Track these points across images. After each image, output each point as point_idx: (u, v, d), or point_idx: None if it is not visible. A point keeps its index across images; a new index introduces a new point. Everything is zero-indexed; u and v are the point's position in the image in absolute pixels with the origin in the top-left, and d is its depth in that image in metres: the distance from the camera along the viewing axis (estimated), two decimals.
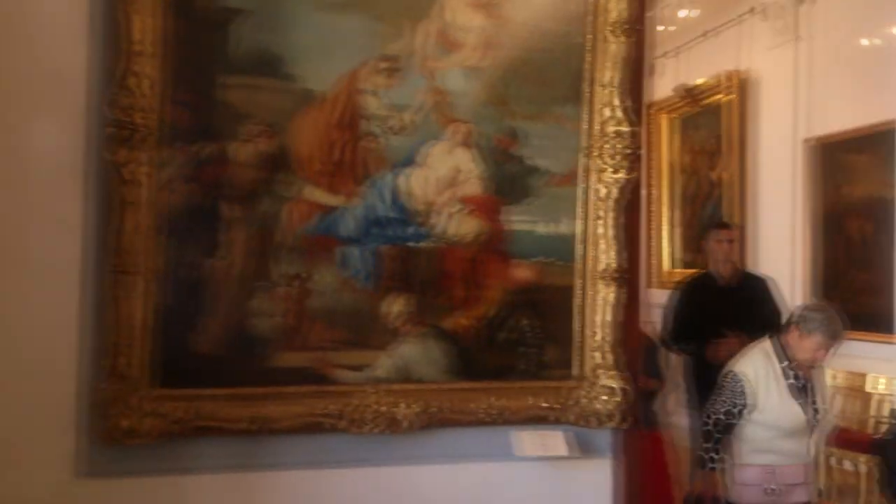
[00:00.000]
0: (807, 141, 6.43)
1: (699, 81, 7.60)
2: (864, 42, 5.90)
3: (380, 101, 2.70)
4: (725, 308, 4.46)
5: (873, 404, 5.65)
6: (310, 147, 2.65)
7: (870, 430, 5.43)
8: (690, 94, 7.74)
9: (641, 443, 3.68)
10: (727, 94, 7.30)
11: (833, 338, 3.29)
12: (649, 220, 8.25)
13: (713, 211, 7.65)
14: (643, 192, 3.11)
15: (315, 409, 2.62)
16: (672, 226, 8.31)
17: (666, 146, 8.33)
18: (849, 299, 6.08)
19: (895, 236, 3.60)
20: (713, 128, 7.56)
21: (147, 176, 2.44)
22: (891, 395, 5.29)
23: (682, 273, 7.85)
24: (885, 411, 5.41)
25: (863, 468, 5.26)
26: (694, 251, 7.99)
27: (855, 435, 5.40)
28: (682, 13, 7.50)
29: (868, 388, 5.71)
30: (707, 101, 7.61)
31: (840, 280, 6.09)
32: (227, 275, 2.57)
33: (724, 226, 5.02)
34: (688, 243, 8.06)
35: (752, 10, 7.03)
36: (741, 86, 7.19)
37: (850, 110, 5.92)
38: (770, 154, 6.93)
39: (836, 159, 6.18)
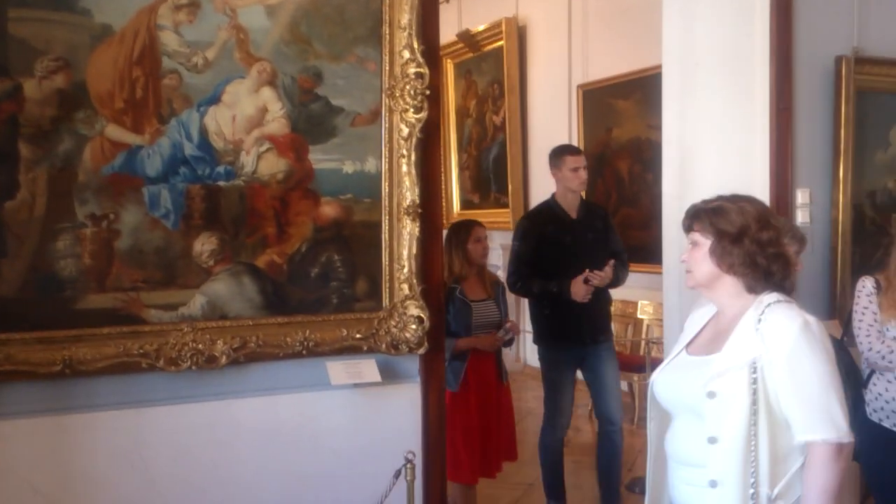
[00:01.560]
0: (580, 86, 6.95)
1: (480, 28, 7.94)
2: None
3: (180, 38, 2.68)
4: (576, 242, 4.13)
5: (643, 328, 6.35)
6: (110, 84, 2.60)
7: (641, 353, 6.09)
8: (472, 40, 8.07)
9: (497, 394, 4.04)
10: (499, 41, 7.68)
11: None
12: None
13: (488, 153, 8.11)
14: None
15: (130, 349, 2.62)
16: (460, 168, 8.70)
17: (452, 91, 8.65)
18: (620, 233, 6.75)
19: (659, 175, 4.04)
20: (494, 73, 7.96)
21: None
22: (658, 319, 5.93)
23: (470, 214, 8.33)
24: (654, 334, 6.07)
25: (636, 388, 5.91)
26: (472, 192, 8.46)
27: (628, 358, 6.05)
28: None
29: (639, 315, 6.40)
30: (487, 48, 7.98)
31: (613, 215, 6.71)
32: (28, 216, 2.48)
33: (576, 151, 4.38)
34: (475, 185, 8.49)
35: None
36: (519, 32, 7.60)
37: (618, 57, 6.47)
38: (546, 98, 7.42)
39: (606, 103, 6.75)
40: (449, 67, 8.56)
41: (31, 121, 2.48)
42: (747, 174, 3.55)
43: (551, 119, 7.33)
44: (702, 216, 2.05)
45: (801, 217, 3.58)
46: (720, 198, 2.09)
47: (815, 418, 1.89)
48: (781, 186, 3.50)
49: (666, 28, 3.94)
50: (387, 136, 2.96)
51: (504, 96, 7.81)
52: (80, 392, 2.56)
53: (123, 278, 2.62)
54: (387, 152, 2.96)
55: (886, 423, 2.92)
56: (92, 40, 2.55)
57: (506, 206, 7.84)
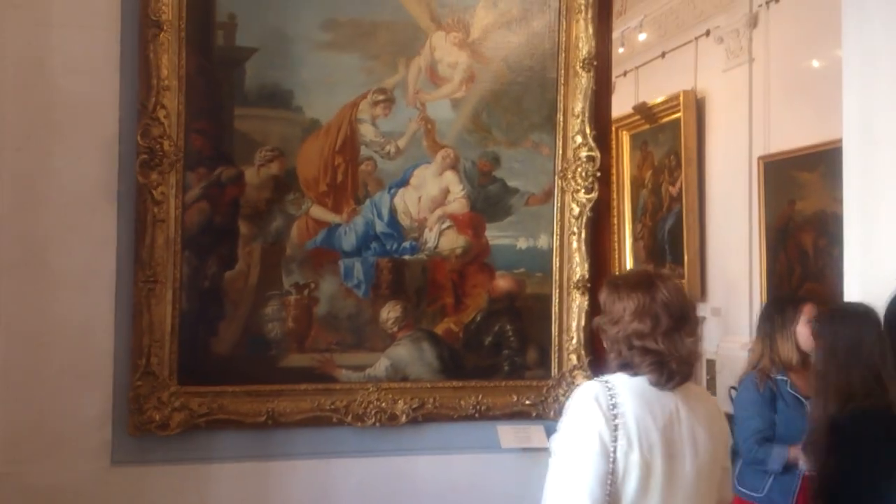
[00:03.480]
0: (761, 157, 6.87)
1: (657, 100, 8.04)
2: (813, 64, 6.34)
3: (376, 130, 3.03)
4: None
5: None
6: (315, 170, 2.97)
7: None
8: (648, 112, 8.17)
9: None
10: (676, 112, 7.73)
11: None
12: (613, 233, 8.66)
13: (663, 224, 8.09)
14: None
15: (322, 404, 2.93)
16: (634, 238, 8.73)
17: (627, 161, 8.75)
18: None
19: (843, 249, 3.98)
20: (671, 144, 8.00)
21: (174, 197, 2.75)
22: None
23: None
24: None
25: None
26: (646, 262, 8.44)
27: None
28: (642, 37, 7.95)
29: None
30: (664, 119, 8.05)
31: (796, 290, 6.52)
32: (244, 284, 2.87)
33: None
34: (649, 254, 8.48)
35: (707, 34, 7.49)
36: (697, 104, 7.63)
37: (799, 129, 6.36)
38: (725, 170, 7.36)
39: (789, 175, 6.62)
40: (624, 139, 8.68)
41: (250, 202, 2.88)
42: None
43: (730, 190, 7.25)
44: None
45: None
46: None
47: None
48: None
49: (846, 102, 3.92)
50: (558, 214, 3.16)
51: (681, 167, 7.81)
52: (279, 441, 2.90)
53: (320, 340, 2.96)
54: (558, 230, 3.16)
55: None
56: (302, 133, 2.95)
57: (681, 276, 7.77)
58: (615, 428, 1.86)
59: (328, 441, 2.94)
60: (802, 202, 6.49)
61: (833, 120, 4.09)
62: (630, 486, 1.85)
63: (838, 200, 4.64)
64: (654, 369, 1.89)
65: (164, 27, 2.74)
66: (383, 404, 2.98)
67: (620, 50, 8.09)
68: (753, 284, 6.91)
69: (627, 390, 1.92)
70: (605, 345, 2.08)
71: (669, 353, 1.87)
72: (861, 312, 2.91)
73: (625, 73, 8.61)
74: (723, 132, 7.43)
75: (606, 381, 1.95)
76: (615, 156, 8.63)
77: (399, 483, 2.98)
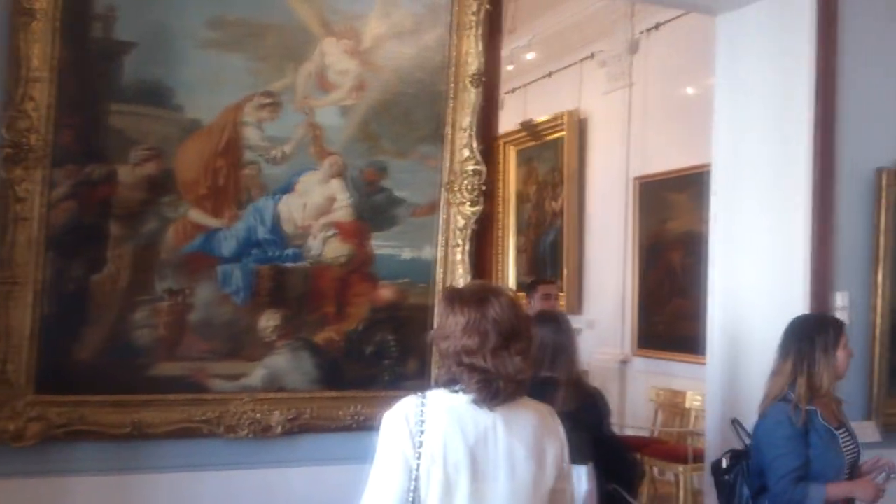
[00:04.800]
0: (636, 178, 7.14)
1: (543, 118, 8.24)
2: (687, 91, 6.66)
3: (261, 133, 2.95)
4: None
5: (692, 419, 6.33)
6: (195, 172, 2.87)
7: (687, 443, 6.06)
8: (534, 130, 8.37)
9: None
10: (565, 132, 7.97)
11: None
12: (497, 246, 8.82)
13: (545, 238, 8.30)
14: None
15: (192, 415, 2.83)
16: (518, 251, 8.90)
17: (513, 176, 8.93)
18: (671, 323, 6.85)
19: (706, 267, 4.19)
20: (555, 161, 8.22)
21: (40, 194, 2.59)
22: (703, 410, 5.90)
23: (520, 297, 8.47)
24: (701, 426, 6.03)
25: (681, 478, 5.87)
26: (528, 275, 8.63)
27: (674, 448, 6.04)
28: (530, 56, 8.13)
29: (687, 405, 6.39)
30: (549, 137, 8.26)
31: (665, 305, 6.81)
32: (112, 288, 2.73)
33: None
34: (531, 268, 8.67)
35: (591, 56, 7.75)
36: (579, 125, 7.87)
37: (673, 152, 6.66)
38: (603, 188, 7.62)
39: (662, 196, 6.91)
40: (511, 154, 8.85)
41: (123, 203, 2.74)
42: (788, 276, 3.66)
43: (608, 208, 7.50)
44: None
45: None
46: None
47: None
48: (821, 289, 3.59)
49: (716, 128, 4.14)
50: (444, 226, 3.18)
51: (563, 184, 8.03)
52: (145, 453, 2.77)
53: (193, 349, 2.85)
54: (443, 241, 3.18)
55: None
56: (182, 133, 2.84)
57: (560, 290, 7.97)
58: (420, 444, 1.85)
59: (198, 453, 2.84)
60: (673, 222, 6.79)
61: (704, 144, 4.31)
62: (429, 490, 1.85)
63: (705, 221, 4.90)
64: (480, 387, 1.85)
65: (37, 16, 2.58)
66: (258, 415, 2.90)
67: (510, 68, 8.22)
68: (626, 299, 7.18)
69: (441, 407, 1.89)
70: (437, 358, 2.08)
71: (497, 372, 1.84)
72: None
73: (513, 91, 8.79)
74: (603, 152, 7.69)
75: (423, 397, 1.93)
76: (502, 170, 8.79)
77: (272, 496, 2.91)
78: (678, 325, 6.59)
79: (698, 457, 5.15)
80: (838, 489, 2.90)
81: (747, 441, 3.17)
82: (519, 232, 8.89)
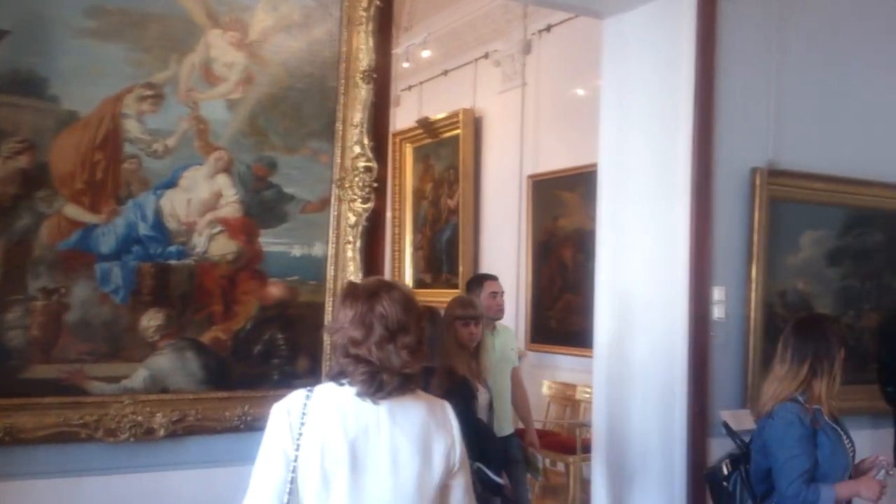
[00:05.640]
0: (530, 176, 7.28)
1: (439, 116, 8.29)
2: (578, 92, 6.82)
3: (142, 126, 2.85)
4: None
5: (581, 411, 6.50)
6: (71, 166, 2.74)
7: (575, 435, 6.21)
8: (431, 127, 8.41)
9: None
10: (456, 129, 8.04)
11: None
12: (393, 243, 8.82)
13: (442, 234, 8.36)
14: (388, 215, 3.49)
15: (70, 419, 2.71)
16: (415, 248, 8.92)
17: (410, 173, 8.94)
18: (562, 318, 7.02)
19: (594, 264, 4.31)
20: (451, 159, 8.28)
21: None
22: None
23: (423, 294, 8.52)
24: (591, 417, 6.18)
25: (571, 469, 6.02)
26: (425, 271, 8.67)
27: (565, 439, 6.18)
28: (426, 53, 8.16)
29: (577, 397, 6.56)
30: (446, 135, 8.32)
31: (557, 301, 6.96)
32: None
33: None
34: (428, 265, 8.71)
35: (486, 56, 7.84)
36: (475, 123, 7.96)
37: (564, 152, 6.81)
38: (498, 186, 7.73)
39: (554, 194, 7.07)
40: (408, 151, 8.86)
41: None
42: (669, 272, 3.81)
43: (503, 205, 7.62)
44: None
45: (717, 313, 3.82)
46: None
47: None
48: (700, 283, 3.75)
49: (602, 129, 4.27)
50: (334, 223, 3.15)
51: (459, 182, 8.10)
52: (19, 460, 2.64)
53: (70, 350, 2.73)
54: (334, 238, 3.15)
55: None
56: (58, 125, 2.72)
57: (456, 286, 8.04)
58: (299, 437, 1.85)
59: (75, 458, 2.72)
60: (564, 219, 6.96)
61: (594, 144, 4.43)
62: (309, 497, 1.85)
63: (594, 219, 5.05)
64: (364, 379, 1.86)
65: None
66: (139, 418, 2.81)
67: (406, 65, 8.26)
68: (520, 294, 7.30)
69: (325, 399, 1.90)
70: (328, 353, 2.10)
71: (381, 364, 1.85)
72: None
73: (410, 88, 8.81)
74: (498, 150, 7.80)
75: (310, 391, 1.94)
76: (399, 167, 8.80)
77: (156, 500, 2.82)
78: (569, 319, 6.77)
79: (587, 447, 5.29)
80: (846, 489, 2.89)
81: (738, 443, 3.17)
82: (416, 229, 8.91)
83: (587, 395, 6.42)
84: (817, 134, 4.15)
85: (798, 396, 2.92)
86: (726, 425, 3.32)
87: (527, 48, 7.40)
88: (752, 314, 3.89)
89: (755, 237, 3.88)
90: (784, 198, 3.96)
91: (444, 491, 1.96)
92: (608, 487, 4.13)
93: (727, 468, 3.12)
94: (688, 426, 3.76)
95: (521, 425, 4.52)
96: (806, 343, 2.97)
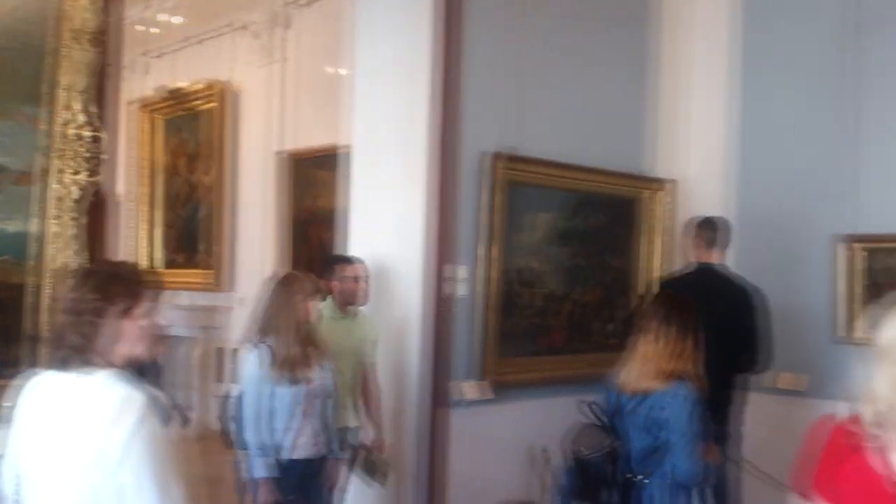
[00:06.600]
0: (284, 154, 7.16)
1: (184, 85, 7.89)
2: (336, 70, 6.76)
3: None
4: None
5: None
6: None
7: None
8: (184, 98, 7.99)
9: None
10: (211, 102, 7.73)
11: None
12: (142, 221, 8.33)
13: (195, 212, 8.02)
14: (122, 190, 3.24)
15: None
16: (166, 226, 8.45)
17: (149, 145, 8.41)
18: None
19: (347, 244, 4.33)
20: (206, 133, 7.92)
21: None
22: None
23: (175, 274, 8.10)
24: None
25: None
26: (177, 251, 8.28)
27: None
28: (177, 19, 7.74)
29: None
30: (201, 107, 7.94)
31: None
32: None
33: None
34: (180, 244, 8.30)
35: (244, 27, 7.56)
36: (224, 95, 7.67)
37: (321, 130, 6.73)
38: (255, 163, 7.52)
39: (311, 173, 6.99)
40: (158, 123, 8.38)
41: None
42: (413, 251, 3.91)
43: (260, 183, 7.42)
44: None
45: (458, 290, 3.97)
46: None
47: None
48: (441, 262, 3.89)
49: (356, 109, 4.30)
50: (40, 195, 2.87)
51: (213, 157, 7.79)
52: None
53: None
54: (39, 212, 2.87)
55: None
56: None
57: (210, 267, 7.77)
58: (10, 422, 1.86)
59: None
60: (323, 199, 6.91)
61: (343, 125, 4.42)
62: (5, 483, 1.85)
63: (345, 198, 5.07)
64: (48, 362, 1.89)
65: None
66: None
67: (154, 30, 7.76)
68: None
69: (30, 384, 1.87)
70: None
71: (58, 347, 1.81)
72: None
73: (161, 55, 8.30)
74: (255, 126, 7.57)
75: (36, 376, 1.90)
76: (146, 140, 8.29)
77: None
78: None
79: None
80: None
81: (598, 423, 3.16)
82: (167, 206, 8.46)
83: None
84: (551, 123, 4.42)
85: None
86: (588, 402, 3.24)
87: (286, 22, 7.24)
88: (492, 291, 4.07)
89: (494, 218, 4.05)
90: (520, 182, 4.18)
91: (113, 484, 1.71)
92: None
93: (594, 453, 3.12)
94: (429, 398, 3.90)
95: None
96: (689, 319, 3.05)
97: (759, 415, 4.14)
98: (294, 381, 3.39)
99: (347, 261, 3.96)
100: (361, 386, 3.95)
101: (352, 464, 3.87)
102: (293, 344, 3.40)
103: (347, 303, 3.89)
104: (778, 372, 4.14)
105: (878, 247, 4.26)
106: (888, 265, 4.20)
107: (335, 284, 3.88)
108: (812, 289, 4.40)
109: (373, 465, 3.87)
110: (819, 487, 1.69)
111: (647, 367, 3.03)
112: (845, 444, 1.62)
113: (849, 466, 1.62)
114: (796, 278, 4.47)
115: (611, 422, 3.15)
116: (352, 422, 3.89)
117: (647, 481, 3.03)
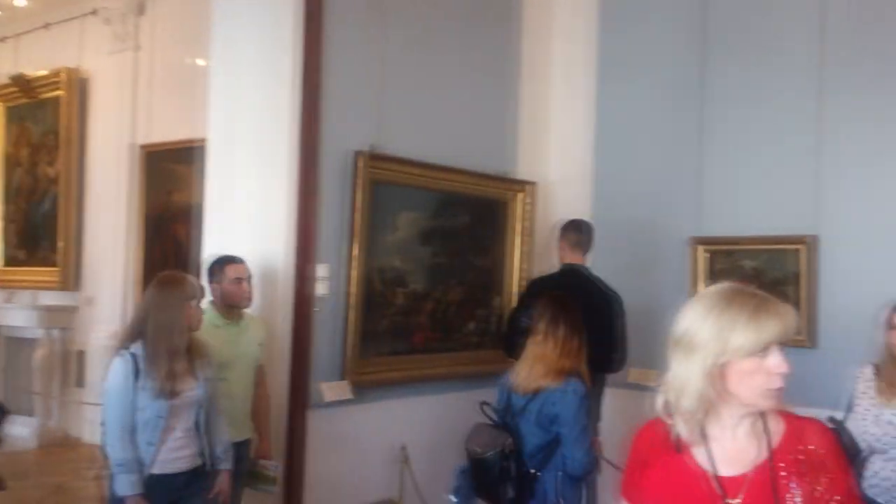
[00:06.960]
0: (137, 146, 6.85)
1: (38, 74, 7.43)
2: (194, 61, 6.50)
3: None
4: None
5: None
6: None
7: None
8: (28, 85, 7.51)
9: None
10: (58, 90, 7.31)
11: None
12: None
13: (49, 208, 7.55)
14: None
15: None
16: (7, 221, 7.91)
17: (1, 136, 7.91)
18: None
19: (202, 241, 4.18)
20: (51, 123, 7.47)
21: None
22: None
23: (17, 272, 7.58)
24: None
25: None
26: (18, 247, 7.76)
27: None
28: (21, 2, 7.27)
29: None
30: (45, 95, 7.48)
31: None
32: None
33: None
34: (22, 240, 7.78)
35: (94, 13, 7.16)
36: (72, 83, 7.26)
37: (179, 123, 6.47)
38: (106, 155, 7.15)
39: (167, 167, 6.71)
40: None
41: None
42: (274, 249, 3.82)
43: (111, 176, 7.08)
44: None
45: (320, 289, 3.91)
46: None
47: None
48: (304, 261, 3.81)
49: (213, 102, 4.15)
50: None
51: (60, 148, 7.35)
52: None
53: None
54: None
55: (881, 500, 3.01)
56: None
57: (54, 264, 7.33)
58: None
59: None
60: (179, 193, 6.66)
61: (201, 118, 4.26)
62: None
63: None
64: None
65: None
66: None
67: None
68: (129, 273, 6.87)
69: None
70: None
71: None
72: None
73: (3, 39, 7.76)
74: (106, 116, 7.22)
75: None
76: None
77: None
78: None
79: None
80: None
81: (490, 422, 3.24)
82: (8, 199, 7.91)
83: None
84: (415, 123, 4.42)
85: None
86: (485, 404, 3.34)
87: (140, 9, 6.92)
88: (354, 290, 4.03)
89: (357, 217, 4.01)
90: (384, 181, 4.16)
91: None
92: None
93: (493, 453, 3.19)
94: (288, 400, 3.81)
95: None
96: (575, 319, 3.22)
97: (611, 409, 4.30)
98: (161, 393, 3.05)
99: (231, 260, 3.64)
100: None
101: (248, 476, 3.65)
102: (162, 352, 3.06)
103: (230, 306, 3.61)
104: (629, 368, 4.31)
105: (718, 248, 4.53)
106: (726, 266, 4.47)
107: (214, 287, 3.60)
108: (665, 289, 4.59)
109: (257, 474, 3.67)
110: (626, 492, 1.73)
111: (538, 367, 3.17)
112: (658, 445, 1.64)
113: (658, 468, 1.64)
114: (650, 279, 4.68)
115: (503, 420, 3.26)
116: (248, 434, 3.65)
117: (539, 474, 3.16)
